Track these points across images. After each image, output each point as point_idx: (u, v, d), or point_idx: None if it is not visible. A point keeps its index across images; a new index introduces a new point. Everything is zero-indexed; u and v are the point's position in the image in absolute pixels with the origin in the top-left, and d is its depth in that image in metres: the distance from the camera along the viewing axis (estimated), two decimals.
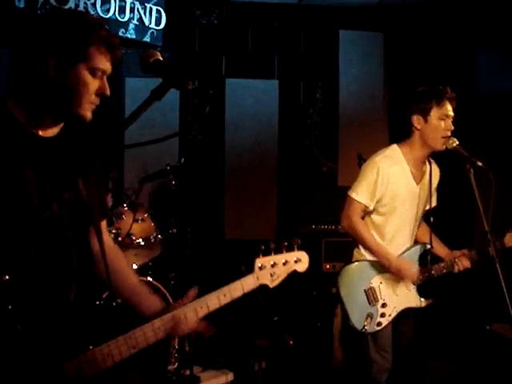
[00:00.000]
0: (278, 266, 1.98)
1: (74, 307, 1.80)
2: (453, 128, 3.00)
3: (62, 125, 1.83)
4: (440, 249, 3.22)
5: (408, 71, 5.45)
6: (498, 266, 2.69)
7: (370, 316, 3.03)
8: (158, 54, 1.44)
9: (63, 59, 1.68)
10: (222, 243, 5.38)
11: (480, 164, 2.83)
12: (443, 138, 2.98)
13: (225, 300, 1.92)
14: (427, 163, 3.17)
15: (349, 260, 3.18)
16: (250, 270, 1.92)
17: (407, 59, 5.58)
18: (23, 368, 1.66)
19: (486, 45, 5.22)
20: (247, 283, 1.95)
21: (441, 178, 3.25)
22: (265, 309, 4.65)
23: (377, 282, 3.08)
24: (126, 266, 2.10)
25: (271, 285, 1.98)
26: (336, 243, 4.73)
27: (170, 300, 3.81)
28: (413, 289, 3.13)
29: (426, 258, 3.13)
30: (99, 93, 1.73)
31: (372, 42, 5.70)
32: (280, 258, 1.98)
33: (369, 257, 3.12)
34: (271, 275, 1.97)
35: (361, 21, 5.62)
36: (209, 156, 5.51)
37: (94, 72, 1.70)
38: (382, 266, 3.07)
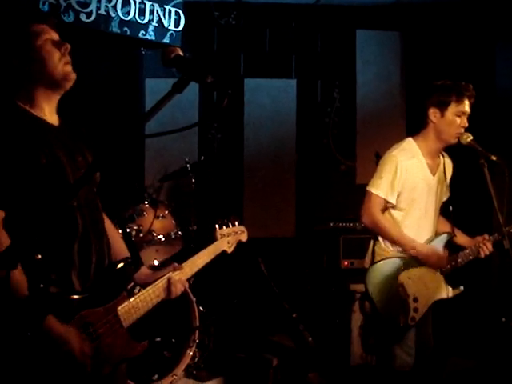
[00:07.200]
0: (231, 236, 2.51)
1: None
2: (467, 125, 3.02)
3: (58, 117, 1.98)
4: (461, 237, 3.23)
5: (425, 69, 5.44)
6: None
7: (402, 312, 3.01)
8: (179, 49, 1.53)
9: None
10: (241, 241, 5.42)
11: (494, 158, 2.85)
12: (456, 133, 3.01)
13: (202, 263, 2.33)
14: (440, 156, 3.20)
15: (370, 255, 3.18)
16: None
17: (425, 57, 5.57)
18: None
19: (506, 41, 5.19)
20: (216, 248, 2.41)
21: (454, 171, 3.27)
22: (283, 305, 4.68)
23: (405, 277, 3.05)
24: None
25: (229, 250, 2.49)
26: (354, 240, 4.74)
27: (191, 297, 3.88)
28: (441, 280, 3.12)
29: (450, 248, 3.13)
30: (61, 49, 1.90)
31: (389, 40, 5.72)
32: (232, 230, 2.52)
33: (392, 249, 3.11)
34: (228, 243, 2.49)
35: (378, 20, 5.64)
36: (228, 154, 5.57)
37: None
38: (407, 261, 3.06)
